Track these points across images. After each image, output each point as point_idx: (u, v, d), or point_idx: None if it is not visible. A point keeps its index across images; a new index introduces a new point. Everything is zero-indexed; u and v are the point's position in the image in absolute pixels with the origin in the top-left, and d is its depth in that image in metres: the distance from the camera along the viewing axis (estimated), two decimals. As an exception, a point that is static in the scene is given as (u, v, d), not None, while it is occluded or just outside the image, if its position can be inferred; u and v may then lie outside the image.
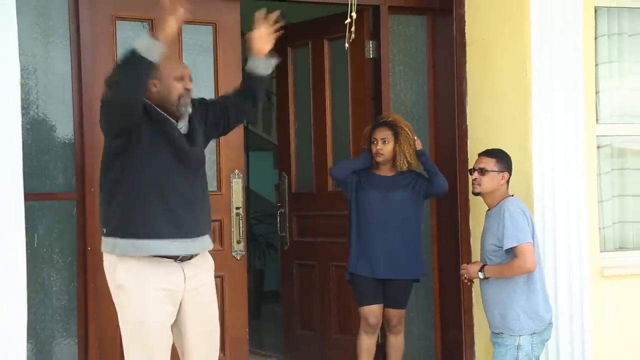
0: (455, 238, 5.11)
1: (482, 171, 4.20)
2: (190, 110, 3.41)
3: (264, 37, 3.48)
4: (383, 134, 4.63)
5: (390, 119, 4.72)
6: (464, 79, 5.11)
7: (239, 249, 4.67)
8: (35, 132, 4.37)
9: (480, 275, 4.18)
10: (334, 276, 5.23)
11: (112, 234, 3.34)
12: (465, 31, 5.10)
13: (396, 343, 4.64)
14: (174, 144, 3.36)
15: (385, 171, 4.68)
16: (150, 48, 3.11)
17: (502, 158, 4.26)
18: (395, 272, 4.57)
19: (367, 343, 4.58)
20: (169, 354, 3.40)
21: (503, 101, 4.88)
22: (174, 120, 3.41)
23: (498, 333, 4.16)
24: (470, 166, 4.57)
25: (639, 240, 5.15)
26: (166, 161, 3.35)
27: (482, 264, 4.20)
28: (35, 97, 4.37)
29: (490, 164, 4.21)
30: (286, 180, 5.52)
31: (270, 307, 7.54)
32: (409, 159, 4.63)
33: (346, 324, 5.16)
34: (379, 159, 4.63)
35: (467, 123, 5.12)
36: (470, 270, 4.25)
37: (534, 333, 4.10)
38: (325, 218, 5.26)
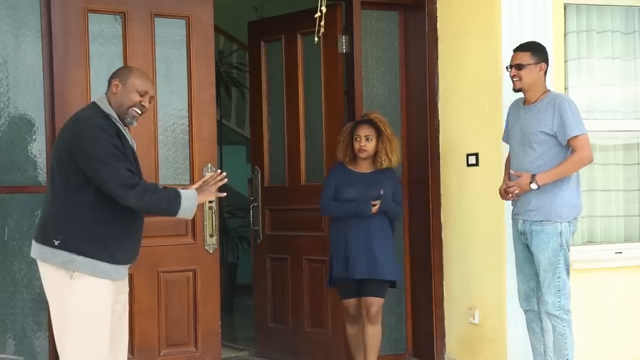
0: (426, 231, 5.16)
1: (520, 67, 4.24)
2: (134, 124, 3.49)
3: (208, 196, 3.56)
4: (367, 131, 4.64)
5: (372, 116, 4.74)
6: (435, 74, 5.15)
7: (211, 242, 4.67)
8: (5, 124, 4.34)
9: (534, 186, 4.14)
10: (307, 270, 5.25)
11: (69, 249, 3.31)
12: (437, 27, 5.15)
13: (374, 332, 4.66)
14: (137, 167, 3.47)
15: (364, 168, 4.70)
16: (189, 208, 3.39)
17: (536, 50, 4.27)
18: (376, 273, 4.57)
19: (352, 331, 4.75)
20: None
21: (474, 96, 4.93)
22: (133, 143, 3.47)
23: (538, 221, 4.21)
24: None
25: (607, 234, 5.23)
26: None
27: (531, 175, 4.17)
28: (6, 90, 4.33)
29: (525, 57, 4.23)
30: (259, 174, 5.53)
31: (242, 300, 7.55)
32: (389, 155, 4.66)
33: (318, 318, 5.19)
34: (363, 156, 4.64)
35: (439, 118, 5.17)
36: (522, 183, 4.17)
37: (572, 220, 4.23)
38: (298, 212, 5.26)
